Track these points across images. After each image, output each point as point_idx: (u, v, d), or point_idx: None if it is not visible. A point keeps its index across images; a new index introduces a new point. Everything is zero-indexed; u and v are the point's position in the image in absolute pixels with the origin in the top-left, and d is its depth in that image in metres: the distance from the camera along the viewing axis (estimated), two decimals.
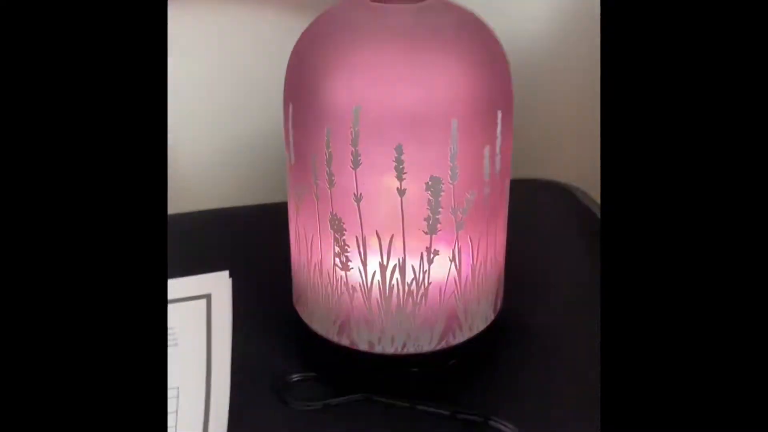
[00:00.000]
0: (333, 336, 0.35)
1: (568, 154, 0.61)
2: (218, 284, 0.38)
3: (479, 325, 0.36)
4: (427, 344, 0.34)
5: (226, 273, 0.39)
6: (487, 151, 0.32)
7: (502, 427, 0.33)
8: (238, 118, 0.54)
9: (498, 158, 0.33)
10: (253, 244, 0.45)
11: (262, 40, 0.51)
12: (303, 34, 0.33)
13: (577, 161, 0.60)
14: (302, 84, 0.32)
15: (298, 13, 0.49)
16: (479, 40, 0.32)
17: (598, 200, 0.53)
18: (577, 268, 0.46)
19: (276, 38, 0.49)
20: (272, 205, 0.49)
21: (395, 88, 0.30)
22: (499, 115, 0.32)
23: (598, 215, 0.52)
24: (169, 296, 0.38)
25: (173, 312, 0.37)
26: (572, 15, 0.55)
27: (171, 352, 0.36)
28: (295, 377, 0.36)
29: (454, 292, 0.34)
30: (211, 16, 0.50)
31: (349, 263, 0.33)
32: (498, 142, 0.33)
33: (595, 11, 0.55)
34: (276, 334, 0.38)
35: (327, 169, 0.32)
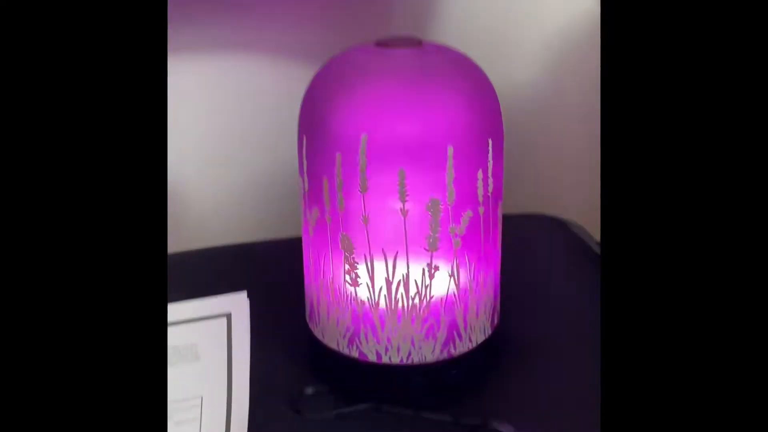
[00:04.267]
0: (343, 349, 0.38)
1: (563, 190, 0.65)
2: (237, 304, 0.42)
3: (478, 338, 0.38)
4: (430, 354, 0.37)
5: (245, 293, 0.42)
6: (480, 174, 0.36)
7: (500, 429, 0.35)
8: (253, 160, 0.59)
9: (490, 181, 0.37)
10: (268, 271, 0.49)
11: (274, 86, 0.56)
12: (316, 74, 0.37)
13: (573, 197, 0.64)
14: (315, 117, 0.36)
15: (307, 62, 0.54)
16: (470, 77, 0.36)
17: (592, 233, 0.57)
18: (570, 290, 0.49)
19: (287, 84, 0.54)
20: (286, 240, 0.53)
21: (398, 119, 0.34)
22: (490, 142, 0.36)
23: (592, 247, 0.55)
24: (192, 315, 0.41)
25: (196, 329, 0.40)
26: (564, 60, 0.60)
27: (195, 365, 0.38)
28: (309, 389, 0.39)
29: (454, 305, 0.37)
30: (230, 62, 0.55)
31: (358, 279, 0.36)
32: (490, 166, 0.36)
33: (585, 56, 0.59)
34: (291, 349, 0.41)
35: (338, 193, 0.36)
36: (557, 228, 0.57)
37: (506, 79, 0.58)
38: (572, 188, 0.64)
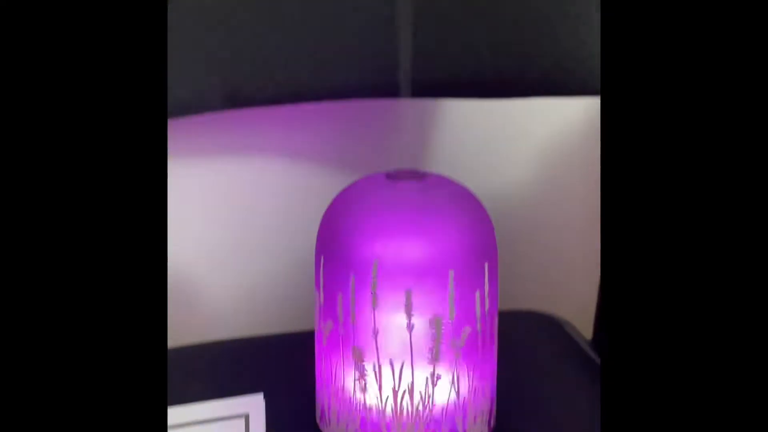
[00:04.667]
0: None
1: (555, 289, 0.69)
2: (254, 405, 0.45)
3: None
4: None
5: (261, 395, 0.45)
6: (477, 294, 0.40)
7: None
8: (267, 257, 0.63)
9: (487, 300, 0.41)
10: (281, 367, 0.52)
11: (291, 190, 0.61)
12: (332, 201, 0.42)
13: (564, 296, 0.68)
14: (332, 241, 0.41)
15: (322, 172, 0.60)
16: (469, 208, 0.41)
17: (582, 331, 0.60)
18: (561, 391, 0.52)
19: (303, 189, 0.59)
20: (297, 333, 0.56)
21: (405, 246, 0.39)
22: (486, 266, 0.40)
23: (581, 345, 0.58)
24: (210, 415, 0.44)
25: (214, 430, 0.43)
26: (553, 172, 0.66)
27: None
28: None
29: (454, 412, 0.40)
30: (251, 166, 0.61)
31: (367, 387, 0.40)
32: (486, 287, 0.41)
33: (572, 167, 0.65)
34: None
35: (351, 309, 0.40)
36: (548, 326, 0.61)
37: (500, 191, 0.64)
38: (563, 286, 0.69)
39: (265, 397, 0.46)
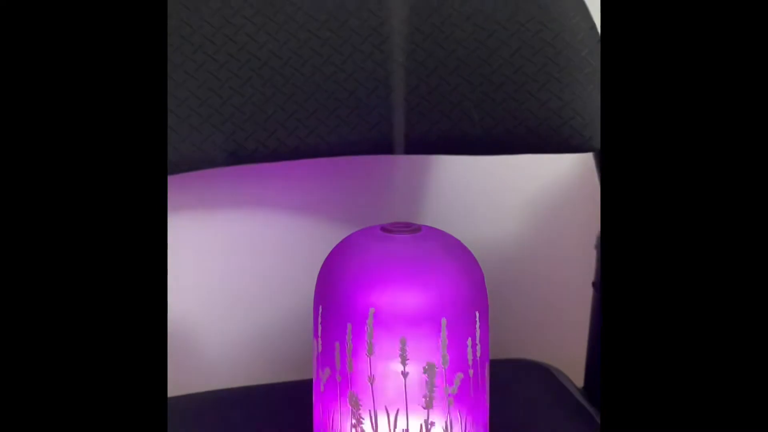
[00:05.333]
0: None
1: (546, 339, 0.70)
2: None
3: None
4: None
5: None
6: (469, 342, 0.42)
7: None
8: (266, 308, 0.64)
9: (478, 347, 0.43)
10: (277, 416, 0.53)
11: (289, 242, 0.63)
12: (330, 253, 0.44)
13: (556, 345, 0.69)
14: (329, 291, 0.42)
15: (321, 233, 0.62)
16: (460, 260, 0.43)
17: (572, 379, 0.62)
18: None
19: (301, 249, 0.61)
20: (295, 383, 0.57)
21: (400, 296, 0.41)
22: (477, 314, 0.42)
23: (573, 393, 0.59)
24: None
25: None
26: (543, 219, 0.68)
27: None
28: None
29: None
30: (251, 218, 0.63)
31: None
32: (477, 334, 0.42)
33: (559, 215, 0.67)
34: None
35: (348, 356, 0.41)
36: (540, 374, 0.62)
37: (491, 243, 0.66)
38: (554, 336, 0.70)
39: None
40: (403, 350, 0.41)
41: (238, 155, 0.52)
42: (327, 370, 0.43)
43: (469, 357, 0.42)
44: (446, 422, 0.41)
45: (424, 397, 0.41)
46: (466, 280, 0.42)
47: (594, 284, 0.59)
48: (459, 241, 0.45)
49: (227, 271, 0.63)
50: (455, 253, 0.43)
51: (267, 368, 0.63)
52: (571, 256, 0.68)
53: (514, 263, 0.67)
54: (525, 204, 0.67)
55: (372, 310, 0.40)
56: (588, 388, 0.61)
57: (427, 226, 0.45)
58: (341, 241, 0.45)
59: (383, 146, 0.53)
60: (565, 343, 0.67)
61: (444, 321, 0.41)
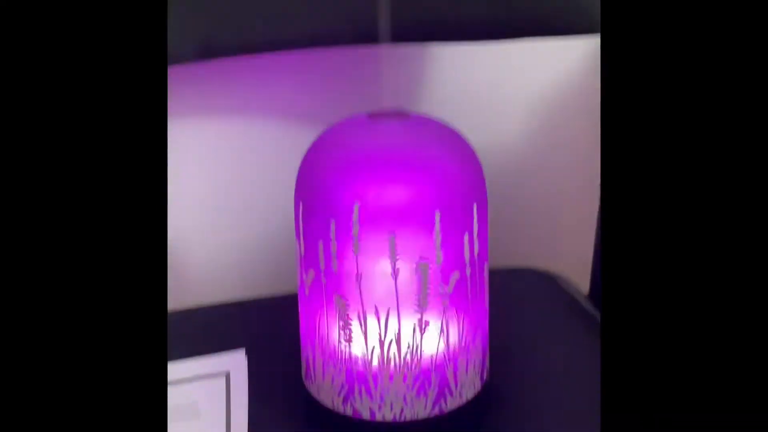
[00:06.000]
0: (338, 407, 0.39)
1: (550, 245, 0.67)
2: (235, 362, 0.43)
3: (468, 393, 0.40)
4: (422, 411, 0.38)
5: (243, 352, 0.44)
6: (466, 237, 0.38)
7: None
8: (249, 219, 0.61)
9: (476, 243, 0.39)
10: (265, 328, 0.50)
11: (271, 149, 0.59)
12: (312, 144, 0.40)
13: (560, 252, 0.66)
14: (311, 185, 0.38)
15: (304, 127, 0.57)
16: (454, 147, 0.39)
17: (579, 287, 0.59)
18: (559, 345, 0.50)
19: (283, 147, 0.57)
20: (282, 296, 0.55)
21: (388, 188, 0.37)
22: (475, 206, 0.38)
23: (579, 300, 0.57)
24: (191, 374, 0.42)
25: (195, 388, 0.41)
26: (547, 122, 0.63)
27: (193, 424, 0.40)
28: None
29: (444, 362, 0.39)
30: (228, 126, 0.58)
31: (352, 337, 0.38)
32: (475, 229, 0.38)
33: (567, 117, 0.63)
34: (287, 407, 0.43)
35: (332, 256, 0.38)
36: (545, 282, 0.59)
37: (491, 141, 0.62)
38: (559, 242, 0.67)
39: (250, 357, 0.44)
40: (392, 248, 0.37)
41: (209, 48, 0.47)
42: (311, 273, 0.39)
43: (466, 254, 0.38)
44: (441, 323, 0.38)
45: (417, 297, 0.37)
46: (462, 168, 0.38)
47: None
48: (453, 128, 0.40)
49: (205, 179, 0.59)
50: (449, 140, 0.39)
51: (253, 283, 0.60)
52: (577, 158, 0.63)
53: (515, 166, 0.63)
54: (529, 99, 0.62)
55: (357, 204, 0.36)
56: (594, 295, 0.58)
57: (418, 114, 0.41)
58: (323, 132, 0.40)
59: (368, 35, 0.48)
60: (570, 249, 0.64)
61: (437, 214, 0.37)
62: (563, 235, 0.66)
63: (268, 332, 0.50)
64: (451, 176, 0.38)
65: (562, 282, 0.59)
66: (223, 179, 0.60)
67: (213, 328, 0.51)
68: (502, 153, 0.62)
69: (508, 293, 0.56)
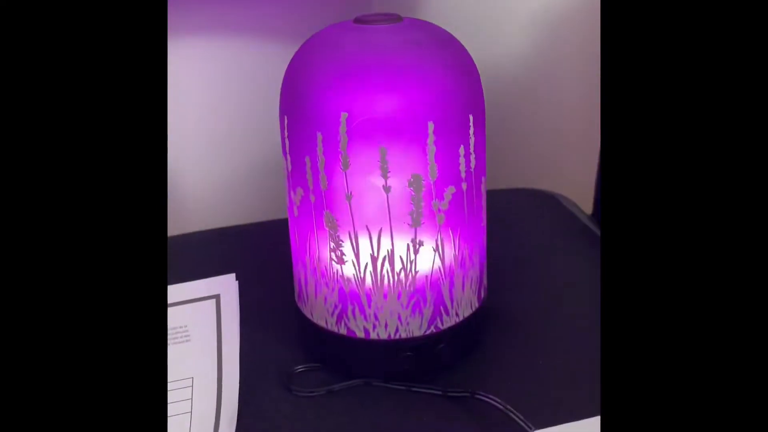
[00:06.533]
0: (332, 327, 0.38)
1: (552, 165, 0.65)
2: (226, 285, 0.42)
3: (465, 312, 0.39)
4: (417, 329, 0.37)
5: (233, 275, 0.42)
6: (462, 150, 0.36)
7: (487, 400, 0.36)
8: (238, 143, 0.59)
9: (473, 157, 0.37)
10: (257, 254, 0.49)
11: (258, 69, 0.56)
12: (296, 53, 0.37)
13: (562, 173, 0.64)
14: (295, 97, 0.36)
15: (291, 42, 0.54)
16: (449, 52, 0.36)
17: (580, 206, 0.57)
18: (559, 264, 0.49)
19: (271, 66, 0.54)
20: (274, 221, 0.53)
21: (377, 96, 0.34)
22: (471, 118, 0.36)
23: (582, 220, 0.55)
24: (182, 297, 0.41)
25: (186, 311, 0.40)
26: (551, 36, 0.60)
27: (185, 347, 0.39)
28: (299, 368, 0.39)
29: (439, 280, 0.37)
30: (214, 44, 0.55)
31: (344, 257, 0.37)
32: (472, 142, 0.36)
33: (572, 31, 0.59)
34: (280, 328, 0.42)
35: (320, 172, 0.36)
36: (546, 202, 0.58)
37: (493, 55, 0.59)
38: (561, 163, 0.65)
39: (243, 283, 0.43)
40: (383, 161, 0.35)
41: None
42: (299, 191, 0.37)
43: (462, 168, 0.36)
44: (436, 242, 0.36)
45: (410, 214, 0.36)
46: (458, 76, 0.36)
47: None
48: (448, 32, 0.37)
49: (195, 106, 0.57)
50: (445, 45, 0.36)
51: (247, 209, 0.59)
52: (581, 73, 0.60)
53: (515, 84, 0.60)
54: (529, 12, 0.59)
55: (344, 115, 0.34)
56: (597, 214, 0.57)
57: (410, 18, 0.38)
58: (307, 39, 0.38)
59: None
60: (572, 170, 0.62)
61: (431, 125, 0.35)
62: (566, 154, 0.64)
63: (261, 257, 0.49)
64: (446, 85, 0.35)
65: (564, 201, 0.57)
66: (212, 103, 0.57)
67: (204, 254, 0.50)
68: (503, 67, 0.59)
69: (508, 213, 0.55)
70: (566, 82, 0.61)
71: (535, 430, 0.33)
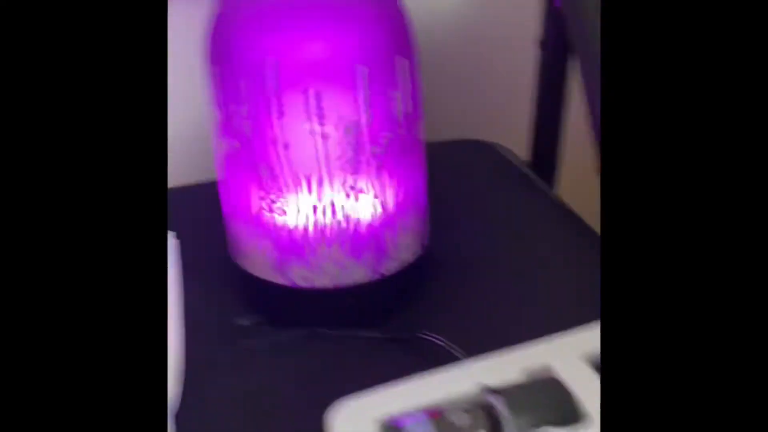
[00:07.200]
0: (273, 278, 0.38)
1: (487, 116, 0.66)
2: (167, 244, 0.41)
3: (407, 258, 0.39)
4: (360, 275, 0.38)
5: (173, 234, 0.42)
6: (398, 95, 0.36)
7: (431, 340, 0.36)
8: (170, 102, 0.57)
9: (410, 101, 0.37)
10: (193, 214, 0.48)
11: (177, 26, 0.54)
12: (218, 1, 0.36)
13: (497, 122, 0.64)
14: (219, 44, 0.35)
15: None
16: None
17: (520, 155, 0.58)
18: (499, 211, 0.50)
19: (195, 20, 0.52)
20: (211, 183, 0.52)
21: (306, 40, 0.34)
22: (405, 62, 0.36)
23: (519, 167, 0.56)
24: None
25: None
26: None
27: None
28: (243, 320, 0.39)
29: (380, 226, 0.37)
30: None
31: (281, 207, 0.36)
32: (406, 86, 0.36)
33: None
34: (221, 284, 0.41)
35: (251, 121, 0.35)
36: (484, 152, 0.58)
37: (427, 7, 0.58)
38: (497, 111, 0.65)
39: (182, 243, 0.42)
40: (318, 108, 0.34)
41: None
42: (231, 143, 0.36)
43: (398, 112, 0.36)
44: (376, 189, 0.36)
45: (348, 161, 0.36)
46: (387, 19, 0.35)
47: (542, 43, 0.53)
48: None
49: None
50: None
51: (184, 170, 0.57)
52: (516, 23, 0.60)
53: (449, 30, 0.60)
54: None
55: (275, 62, 0.34)
56: (534, 162, 0.58)
57: None
58: None
59: None
60: (508, 117, 0.62)
61: (364, 70, 0.34)
62: (502, 103, 0.64)
63: (198, 217, 0.48)
64: (377, 27, 0.35)
65: (501, 150, 0.58)
66: None
67: None
68: (436, 15, 0.59)
69: (448, 163, 0.55)
70: (501, 30, 0.62)
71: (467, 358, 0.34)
